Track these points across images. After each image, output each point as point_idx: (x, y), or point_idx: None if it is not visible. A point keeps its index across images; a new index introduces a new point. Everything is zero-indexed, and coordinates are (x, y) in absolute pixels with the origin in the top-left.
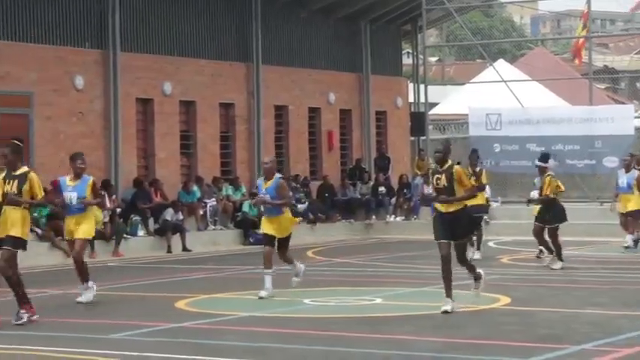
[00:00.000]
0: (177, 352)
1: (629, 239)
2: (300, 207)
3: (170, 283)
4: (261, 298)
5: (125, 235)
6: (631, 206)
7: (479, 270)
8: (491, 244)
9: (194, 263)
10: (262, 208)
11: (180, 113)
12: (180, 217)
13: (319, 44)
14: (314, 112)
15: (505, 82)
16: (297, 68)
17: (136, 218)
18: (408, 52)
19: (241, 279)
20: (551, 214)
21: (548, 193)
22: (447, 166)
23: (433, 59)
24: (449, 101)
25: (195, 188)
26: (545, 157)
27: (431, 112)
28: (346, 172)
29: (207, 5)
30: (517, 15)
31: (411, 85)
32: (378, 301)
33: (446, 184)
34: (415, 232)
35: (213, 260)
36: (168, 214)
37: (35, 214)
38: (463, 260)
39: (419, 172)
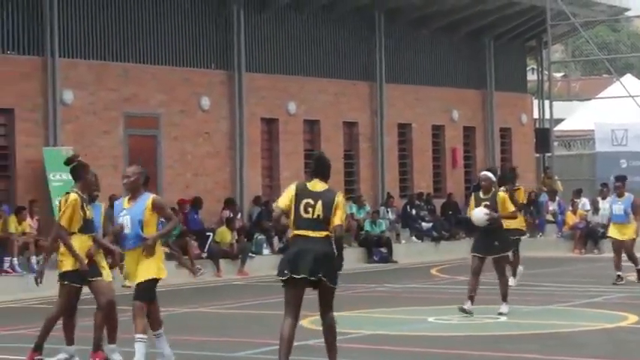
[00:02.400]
0: None
1: None
2: (425, 225)
3: None
4: None
5: (250, 254)
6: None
7: None
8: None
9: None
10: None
11: (304, 132)
12: None
13: (443, 61)
14: (437, 130)
15: (632, 97)
16: (421, 86)
17: (260, 237)
18: (533, 68)
19: (365, 297)
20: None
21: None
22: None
23: (558, 75)
24: (575, 117)
25: None
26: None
27: (556, 129)
28: (470, 190)
29: (331, 25)
30: None
31: (535, 102)
32: (503, 319)
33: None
34: (541, 250)
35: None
36: None
37: None
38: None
39: (545, 189)
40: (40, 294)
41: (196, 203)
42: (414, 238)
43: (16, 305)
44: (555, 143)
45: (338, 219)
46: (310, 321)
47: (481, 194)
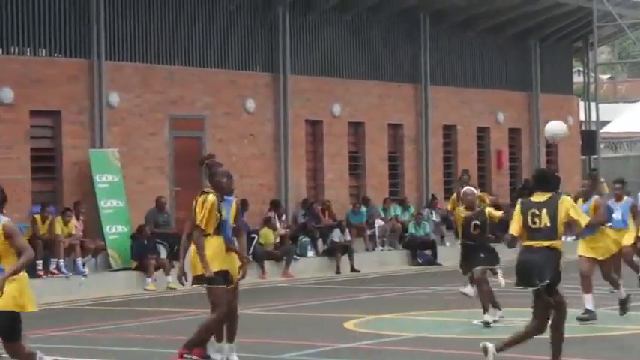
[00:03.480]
0: None
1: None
2: None
3: (339, 304)
4: None
5: (295, 256)
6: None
7: None
8: None
9: (363, 284)
10: None
11: (349, 134)
12: (349, 237)
13: (488, 63)
14: (483, 132)
15: None
16: (466, 88)
17: (305, 239)
18: (579, 70)
19: (410, 299)
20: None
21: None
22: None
23: (604, 76)
24: (621, 119)
25: (363, 209)
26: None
27: (602, 131)
28: (515, 192)
29: (376, 27)
30: None
31: (581, 104)
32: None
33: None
34: None
35: (381, 280)
36: (336, 235)
37: None
38: None
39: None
40: (86, 295)
41: (242, 205)
42: (458, 240)
43: (63, 307)
44: (601, 145)
45: (581, 220)
46: (354, 323)
47: (467, 211)
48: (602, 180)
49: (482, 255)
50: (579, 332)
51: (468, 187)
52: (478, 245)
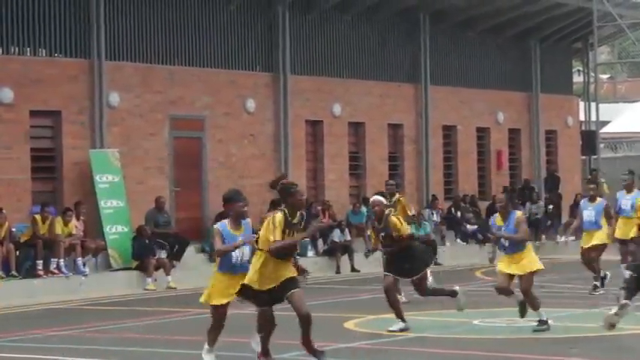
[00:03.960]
0: None
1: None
2: (470, 227)
3: (339, 304)
4: None
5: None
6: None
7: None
8: None
9: (363, 284)
10: None
11: (349, 134)
12: (349, 237)
13: (488, 64)
14: (482, 132)
15: None
16: (466, 88)
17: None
18: (579, 70)
19: (410, 300)
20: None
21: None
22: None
23: (604, 77)
24: (621, 119)
25: (363, 209)
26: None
27: (602, 131)
28: (515, 192)
29: (376, 27)
30: None
31: (581, 104)
32: (549, 322)
33: None
34: None
35: (381, 281)
36: (336, 235)
37: None
38: None
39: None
40: (86, 295)
41: None
42: (458, 240)
43: (62, 306)
44: (601, 145)
45: None
46: (354, 323)
47: (375, 222)
48: (602, 180)
49: (407, 266)
50: (579, 332)
51: (375, 197)
52: (403, 252)
